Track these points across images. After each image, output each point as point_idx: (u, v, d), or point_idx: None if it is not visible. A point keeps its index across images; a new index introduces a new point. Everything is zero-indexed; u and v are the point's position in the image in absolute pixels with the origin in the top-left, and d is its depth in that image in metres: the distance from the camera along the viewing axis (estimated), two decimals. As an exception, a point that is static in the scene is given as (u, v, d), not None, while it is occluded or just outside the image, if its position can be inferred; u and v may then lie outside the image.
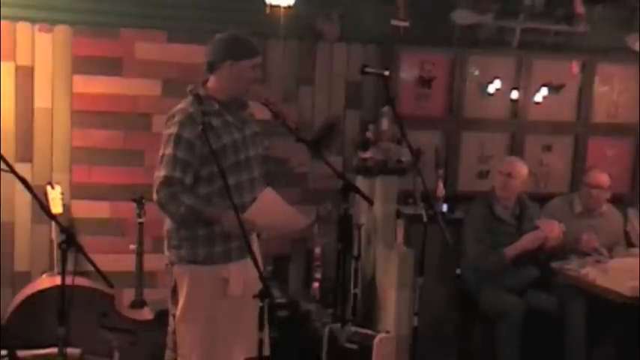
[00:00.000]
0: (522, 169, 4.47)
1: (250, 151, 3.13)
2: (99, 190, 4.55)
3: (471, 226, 4.40)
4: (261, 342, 2.76)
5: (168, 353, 3.29)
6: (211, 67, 3.08)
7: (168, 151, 2.98)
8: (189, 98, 3.05)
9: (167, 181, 2.95)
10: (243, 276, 3.06)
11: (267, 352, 3.20)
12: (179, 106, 3.06)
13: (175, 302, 3.14)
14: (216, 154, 2.85)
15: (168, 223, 3.12)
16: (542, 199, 4.79)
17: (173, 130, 2.98)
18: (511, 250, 4.28)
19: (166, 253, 3.16)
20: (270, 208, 3.00)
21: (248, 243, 2.76)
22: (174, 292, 3.15)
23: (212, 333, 3.08)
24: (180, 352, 3.16)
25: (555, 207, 4.69)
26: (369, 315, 4.51)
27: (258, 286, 2.68)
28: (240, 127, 3.11)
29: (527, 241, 4.31)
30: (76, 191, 4.53)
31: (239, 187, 3.03)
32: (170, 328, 3.25)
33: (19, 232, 4.48)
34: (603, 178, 4.60)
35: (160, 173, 2.97)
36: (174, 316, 3.18)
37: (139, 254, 4.25)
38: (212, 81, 3.09)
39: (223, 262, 3.07)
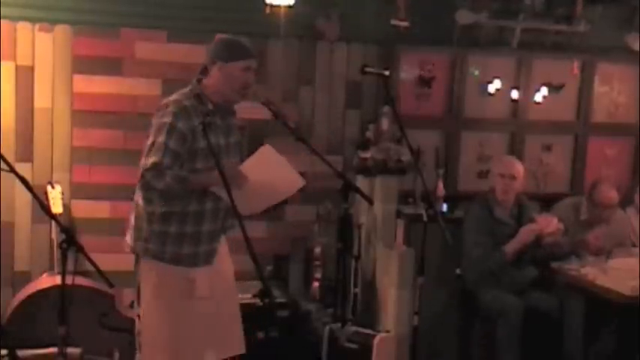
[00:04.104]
0: (521, 168, 4.46)
1: (231, 158, 3.09)
2: (99, 190, 4.55)
3: (471, 229, 4.38)
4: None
5: (138, 357, 3.17)
6: (204, 69, 3.07)
7: (160, 139, 2.91)
8: (186, 91, 3.03)
9: (155, 167, 2.86)
10: (211, 278, 3.05)
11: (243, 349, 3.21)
12: (172, 97, 3.02)
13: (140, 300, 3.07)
14: (214, 151, 2.83)
15: (137, 213, 3.04)
16: (542, 199, 4.79)
17: (167, 119, 2.93)
18: (510, 247, 4.27)
19: (130, 242, 3.08)
20: (267, 165, 2.98)
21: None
22: (139, 289, 3.07)
23: (178, 333, 3.02)
24: (143, 351, 3.06)
25: (562, 211, 4.65)
26: (369, 315, 4.51)
27: (229, 286, 2.63)
28: (226, 133, 3.10)
29: (523, 234, 4.29)
30: (76, 191, 4.53)
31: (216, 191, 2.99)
32: (137, 330, 3.14)
33: (19, 232, 4.47)
34: (612, 195, 4.52)
35: (149, 160, 2.89)
36: (139, 316, 3.09)
37: (139, 254, 4.25)
38: (205, 82, 3.06)
39: (189, 265, 3.03)
